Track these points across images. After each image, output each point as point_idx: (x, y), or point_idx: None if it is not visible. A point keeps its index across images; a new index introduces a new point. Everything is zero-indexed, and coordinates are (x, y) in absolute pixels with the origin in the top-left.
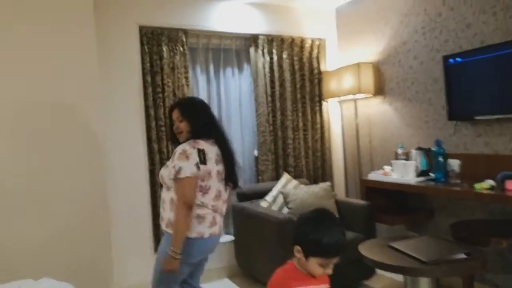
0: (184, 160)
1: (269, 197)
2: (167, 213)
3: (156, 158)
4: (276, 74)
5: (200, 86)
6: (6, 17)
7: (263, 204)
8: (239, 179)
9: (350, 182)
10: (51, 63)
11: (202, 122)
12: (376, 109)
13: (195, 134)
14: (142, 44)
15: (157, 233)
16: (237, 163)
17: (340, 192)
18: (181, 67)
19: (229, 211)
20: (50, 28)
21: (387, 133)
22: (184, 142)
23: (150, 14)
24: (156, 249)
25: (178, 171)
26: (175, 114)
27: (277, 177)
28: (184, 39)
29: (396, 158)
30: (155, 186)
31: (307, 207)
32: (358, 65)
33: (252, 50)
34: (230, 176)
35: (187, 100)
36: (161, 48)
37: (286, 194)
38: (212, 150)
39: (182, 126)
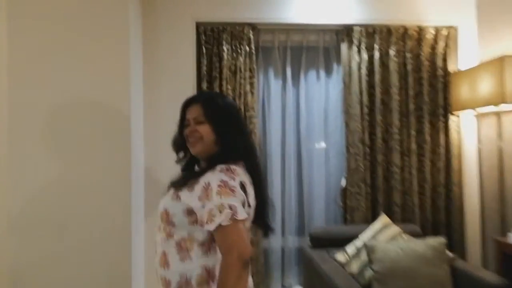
0: (230, 195)
1: (350, 248)
2: (174, 271)
3: None
4: (377, 77)
5: (272, 94)
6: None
7: (340, 257)
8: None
9: (490, 241)
10: (79, 57)
11: (234, 132)
12: None
13: (226, 152)
14: (199, 44)
15: None
16: (270, 199)
17: (474, 256)
18: (245, 70)
19: (292, 257)
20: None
21: None
22: (201, 157)
23: (210, 7)
24: None
25: (235, 212)
26: (194, 112)
27: (373, 219)
28: (251, 36)
29: None
30: None
31: (401, 273)
32: (501, 60)
33: (344, 46)
34: (262, 219)
35: (214, 95)
36: (222, 49)
37: (372, 248)
38: (248, 181)
39: (202, 130)
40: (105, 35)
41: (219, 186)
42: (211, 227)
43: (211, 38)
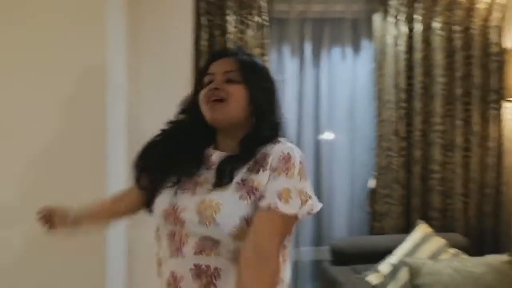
0: (307, 181)
1: (385, 267)
2: None
3: None
4: (418, 55)
5: (287, 75)
6: None
7: (372, 278)
8: None
9: None
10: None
11: (276, 106)
12: None
13: (274, 126)
14: (198, 14)
15: None
16: None
17: None
18: (255, 46)
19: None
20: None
21: None
22: (220, 127)
23: None
24: None
25: (314, 205)
26: (224, 65)
27: (406, 228)
28: (263, 5)
29: None
30: None
31: None
32: None
33: (378, 17)
34: None
35: (252, 56)
36: (226, 19)
37: (417, 269)
38: None
39: (233, 90)
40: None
41: (301, 163)
42: (277, 205)
43: (213, 7)
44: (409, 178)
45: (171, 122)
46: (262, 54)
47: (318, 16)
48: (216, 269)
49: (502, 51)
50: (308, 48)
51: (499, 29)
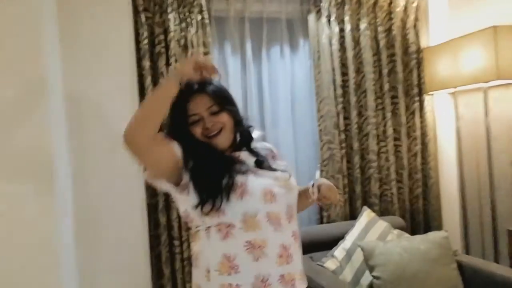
0: None
1: (339, 252)
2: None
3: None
4: (350, 54)
5: (230, 74)
6: None
7: (330, 264)
8: None
9: (472, 229)
10: None
11: (239, 111)
12: None
13: (247, 131)
14: (136, 11)
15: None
16: None
17: (454, 245)
18: (198, 44)
19: None
20: None
21: None
22: (225, 147)
23: None
24: None
25: None
26: (202, 104)
27: (352, 215)
28: (203, 3)
29: None
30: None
31: (409, 278)
32: (493, 29)
33: (311, 18)
34: None
35: (207, 80)
36: (166, 17)
37: (369, 251)
38: None
39: (223, 119)
40: None
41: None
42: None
43: (151, 4)
44: (351, 168)
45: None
46: (205, 53)
47: (256, 16)
48: (297, 230)
49: (420, 50)
50: (248, 46)
51: (416, 29)
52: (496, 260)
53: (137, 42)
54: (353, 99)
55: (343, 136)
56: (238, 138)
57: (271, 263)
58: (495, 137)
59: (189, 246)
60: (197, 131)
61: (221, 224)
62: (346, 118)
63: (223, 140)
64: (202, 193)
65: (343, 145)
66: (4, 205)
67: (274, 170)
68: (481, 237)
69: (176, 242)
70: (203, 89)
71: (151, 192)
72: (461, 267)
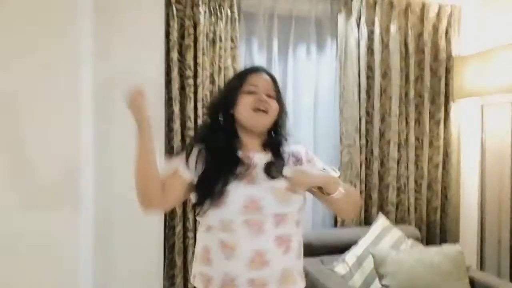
0: None
1: (350, 257)
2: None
3: None
4: (377, 57)
5: None
6: None
7: (340, 269)
8: None
9: (489, 245)
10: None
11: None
12: None
13: (282, 132)
14: (168, 2)
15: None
16: None
17: (469, 260)
18: (226, 39)
19: None
20: None
21: None
22: (258, 131)
23: None
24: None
25: None
26: (265, 83)
27: (366, 221)
28: None
29: None
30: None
31: None
32: None
33: (341, 18)
34: None
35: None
36: (197, 11)
37: (381, 259)
38: None
39: (274, 106)
40: None
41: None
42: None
43: None
44: (369, 174)
45: (204, 127)
46: (233, 48)
47: (285, 13)
48: (289, 235)
49: (450, 57)
50: (275, 43)
51: (447, 36)
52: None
53: (167, 34)
54: (377, 104)
55: (363, 141)
56: (272, 136)
57: (240, 265)
58: None
59: None
60: (249, 99)
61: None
62: (368, 122)
63: (265, 122)
64: (198, 195)
65: (363, 150)
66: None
67: (281, 177)
68: (498, 254)
69: (190, 234)
70: (269, 73)
71: None
72: (473, 283)
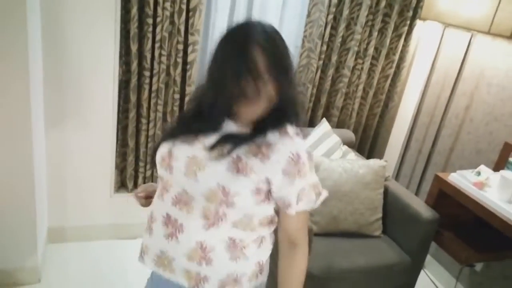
0: (313, 169)
1: None
2: (218, 270)
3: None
4: None
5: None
6: None
7: None
8: None
9: (410, 155)
10: None
11: (294, 88)
12: (506, 64)
13: (284, 113)
14: None
15: (123, 169)
16: None
17: (390, 168)
18: None
19: None
20: None
21: (507, 113)
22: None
23: None
24: (116, 190)
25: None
26: (255, 59)
27: (311, 123)
28: None
29: (507, 167)
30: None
31: (340, 196)
32: None
33: None
34: None
35: (273, 32)
36: None
37: (316, 164)
38: None
39: (269, 91)
40: None
41: (308, 159)
42: (301, 207)
43: None
44: (322, 80)
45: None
46: None
47: None
48: (181, 224)
49: None
50: None
51: None
52: (417, 193)
53: None
54: (346, 11)
55: (324, 48)
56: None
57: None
58: (463, 79)
59: (155, 125)
60: (243, 83)
61: None
62: (333, 28)
63: (251, 115)
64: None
65: (322, 56)
66: None
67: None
68: (413, 169)
69: (144, 120)
70: (260, 42)
71: (125, 69)
72: (386, 191)
